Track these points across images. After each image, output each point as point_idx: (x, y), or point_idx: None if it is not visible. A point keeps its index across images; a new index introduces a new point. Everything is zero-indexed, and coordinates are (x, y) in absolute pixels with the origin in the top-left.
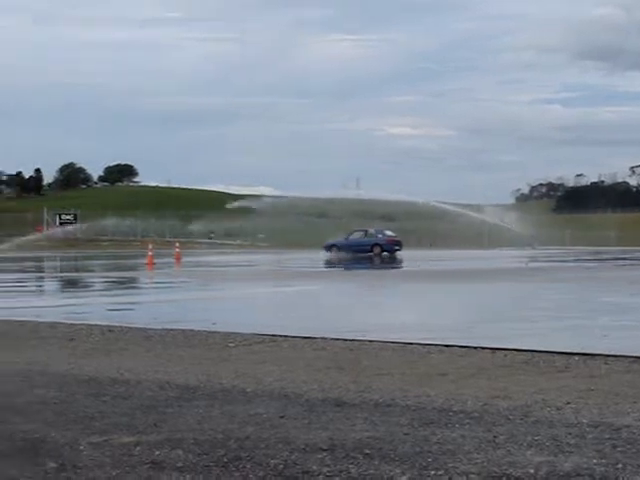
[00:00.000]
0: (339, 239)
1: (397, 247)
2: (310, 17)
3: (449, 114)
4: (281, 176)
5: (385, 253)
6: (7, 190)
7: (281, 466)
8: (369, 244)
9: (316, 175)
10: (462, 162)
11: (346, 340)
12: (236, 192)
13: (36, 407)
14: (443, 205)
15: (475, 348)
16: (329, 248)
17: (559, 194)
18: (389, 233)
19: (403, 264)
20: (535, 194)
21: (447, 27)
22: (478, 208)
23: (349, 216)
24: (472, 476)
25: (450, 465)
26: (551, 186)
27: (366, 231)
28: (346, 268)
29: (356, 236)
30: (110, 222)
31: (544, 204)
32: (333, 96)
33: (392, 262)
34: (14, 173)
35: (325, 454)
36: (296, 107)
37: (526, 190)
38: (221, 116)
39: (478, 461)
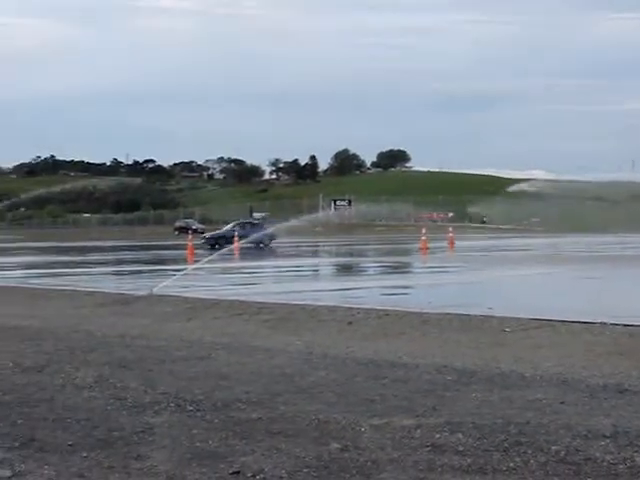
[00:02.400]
0: (222, 231)
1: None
2: None
3: None
4: (555, 159)
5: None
6: (284, 177)
7: (562, 452)
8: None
9: (590, 157)
10: None
11: (626, 325)
12: (509, 176)
13: (318, 388)
14: None
15: None
16: (216, 240)
17: None
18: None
19: None
20: None
21: None
22: None
23: (625, 200)
24: None
25: None
26: None
27: (252, 222)
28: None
29: (246, 227)
30: (384, 207)
31: None
32: (612, 76)
33: None
34: (291, 160)
35: (608, 441)
36: (575, 88)
37: None
38: (495, 99)
39: None
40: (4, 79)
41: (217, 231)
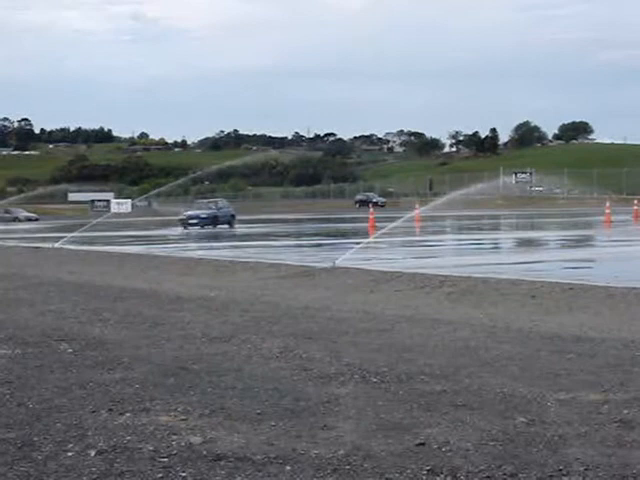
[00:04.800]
0: (199, 211)
1: None
2: None
3: None
4: None
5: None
6: (464, 150)
7: None
8: (228, 215)
9: None
10: None
11: None
12: None
13: (502, 362)
14: None
15: None
16: (203, 220)
17: None
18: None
19: None
20: None
21: None
22: None
23: None
24: None
25: None
26: None
27: (217, 202)
28: None
29: (221, 206)
30: (565, 180)
31: None
32: None
33: None
34: (471, 133)
35: None
36: None
37: None
38: None
39: None
40: (190, 58)
41: (195, 211)
